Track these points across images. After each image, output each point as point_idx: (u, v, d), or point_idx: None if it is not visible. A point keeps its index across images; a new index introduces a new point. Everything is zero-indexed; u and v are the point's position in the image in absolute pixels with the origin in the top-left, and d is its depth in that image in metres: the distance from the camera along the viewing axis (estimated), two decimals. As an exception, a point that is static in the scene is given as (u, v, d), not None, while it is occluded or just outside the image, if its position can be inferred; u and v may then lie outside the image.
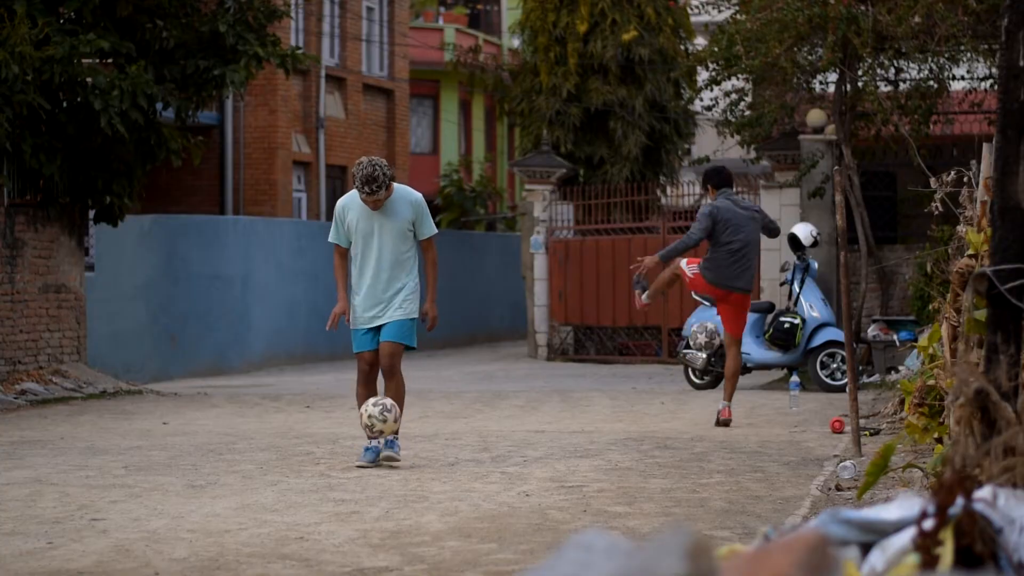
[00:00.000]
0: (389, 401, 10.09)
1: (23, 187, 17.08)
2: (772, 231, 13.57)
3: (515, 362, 24.74)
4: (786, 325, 17.34)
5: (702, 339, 13.94)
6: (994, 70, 18.75)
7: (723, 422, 12.99)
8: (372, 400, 10.13)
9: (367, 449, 10.23)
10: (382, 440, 10.15)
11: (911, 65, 19.26)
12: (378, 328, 10.28)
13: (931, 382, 9.17)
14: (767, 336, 17.48)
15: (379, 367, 10.33)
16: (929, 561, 3.74)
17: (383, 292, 10.24)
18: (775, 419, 13.70)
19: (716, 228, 13.08)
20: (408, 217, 10.20)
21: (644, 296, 13.60)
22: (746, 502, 8.48)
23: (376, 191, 9.95)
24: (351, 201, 10.28)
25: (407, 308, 10.26)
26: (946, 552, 3.72)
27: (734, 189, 13.61)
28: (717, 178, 13.41)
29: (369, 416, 10.02)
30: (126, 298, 21.41)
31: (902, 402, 12.03)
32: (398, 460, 10.18)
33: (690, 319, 18.20)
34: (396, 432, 10.19)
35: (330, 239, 10.46)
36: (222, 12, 17.43)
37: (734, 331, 13.42)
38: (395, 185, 10.23)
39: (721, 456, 10.70)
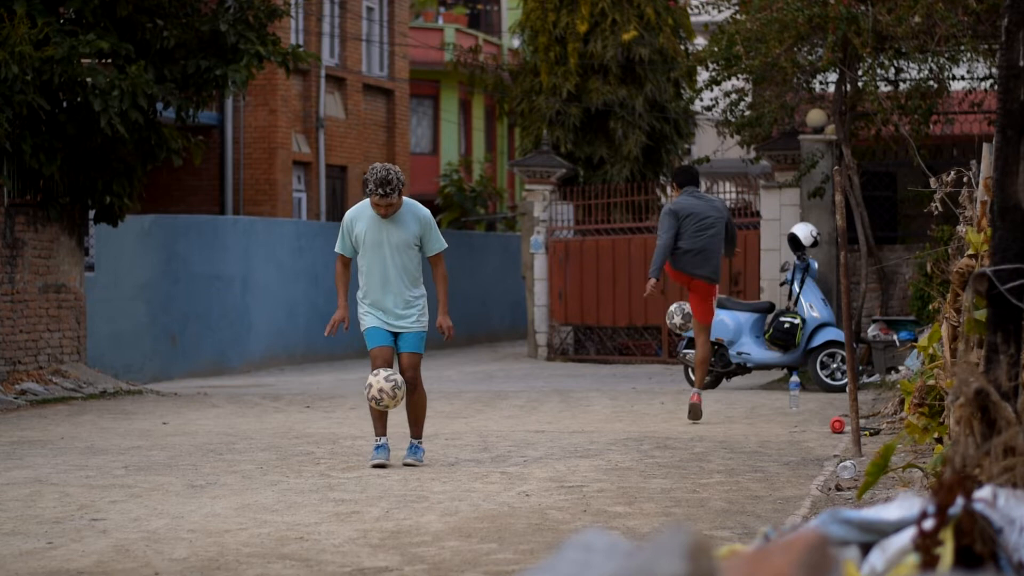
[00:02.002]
0: (399, 378, 10.07)
1: (23, 187, 17.08)
2: (731, 238, 13.64)
3: (515, 362, 24.74)
4: (786, 325, 17.34)
5: (678, 320, 14.11)
6: (994, 70, 18.75)
7: (693, 407, 13.28)
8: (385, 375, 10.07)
9: (379, 448, 10.25)
10: (384, 439, 10.22)
11: (911, 65, 19.25)
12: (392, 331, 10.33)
13: (931, 382, 9.17)
14: (767, 336, 17.48)
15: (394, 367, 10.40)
16: (929, 561, 3.74)
17: (395, 301, 10.28)
18: (775, 419, 13.70)
19: (680, 224, 13.38)
20: (415, 231, 10.24)
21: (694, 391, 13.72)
22: (746, 502, 8.48)
23: (389, 194, 9.99)
24: (360, 212, 10.33)
25: (423, 322, 10.41)
26: (946, 552, 3.72)
27: (701, 188, 13.86)
28: (682, 177, 13.81)
29: (380, 390, 9.96)
30: (126, 298, 21.41)
31: (902, 402, 12.03)
32: (420, 463, 10.26)
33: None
34: (418, 440, 10.38)
35: (336, 249, 10.51)
36: (222, 11, 17.42)
37: (701, 318, 13.65)
38: (404, 199, 10.28)
39: (721, 456, 10.70)
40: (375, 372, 10.04)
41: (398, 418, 14.27)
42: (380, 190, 9.98)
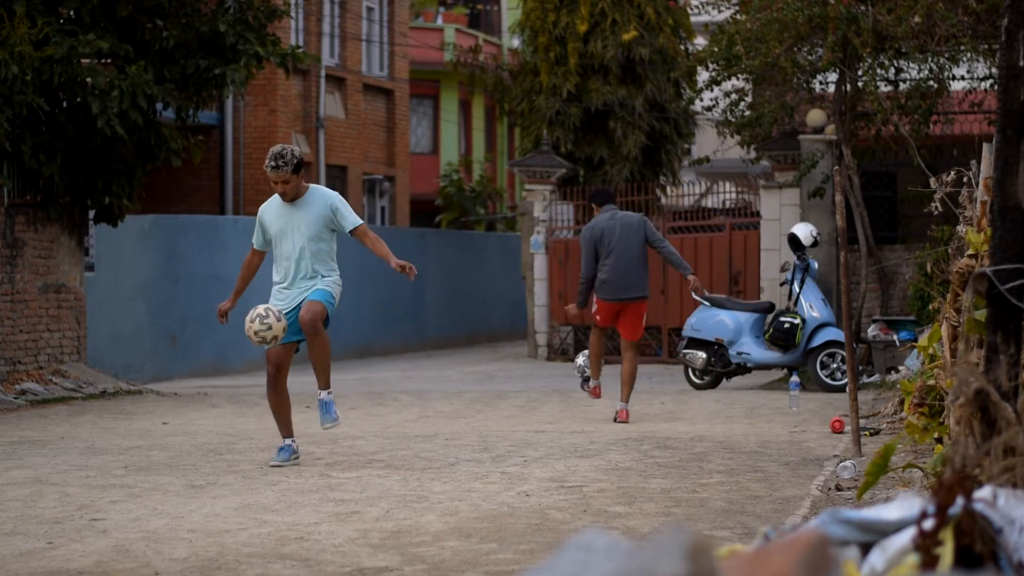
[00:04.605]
0: (267, 308, 10.00)
1: (23, 187, 17.08)
2: (655, 245, 13.71)
3: (515, 362, 24.74)
4: (786, 325, 17.35)
5: (581, 360, 14.49)
6: (994, 70, 18.75)
7: (620, 422, 13.38)
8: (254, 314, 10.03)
9: (281, 449, 10.30)
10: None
11: (911, 65, 19.26)
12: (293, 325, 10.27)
13: (931, 382, 9.17)
14: (767, 336, 17.48)
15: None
16: (929, 561, 3.74)
17: (300, 286, 10.26)
18: (775, 419, 13.70)
19: (598, 247, 13.61)
20: (322, 214, 10.22)
21: (592, 383, 14.02)
22: (746, 502, 8.48)
23: (281, 167, 10.04)
24: (270, 203, 10.45)
25: (329, 288, 10.26)
26: (946, 552, 3.72)
27: (617, 206, 14.11)
28: (599, 197, 14.07)
29: (256, 332, 9.95)
30: (126, 298, 21.41)
31: (902, 402, 12.03)
32: (332, 424, 10.34)
33: (690, 319, 18.22)
34: (326, 390, 10.31)
35: (252, 240, 10.60)
36: (222, 12, 17.42)
37: (630, 335, 13.85)
38: (312, 186, 10.37)
39: (721, 456, 10.70)
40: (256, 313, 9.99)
41: (385, 421, 14.27)
42: (272, 162, 10.06)
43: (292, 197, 10.24)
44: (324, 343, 10.24)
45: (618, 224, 13.64)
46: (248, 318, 10.07)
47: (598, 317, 13.85)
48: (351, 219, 10.29)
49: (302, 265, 10.25)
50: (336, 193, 10.47)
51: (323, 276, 10.30)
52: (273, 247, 10.40)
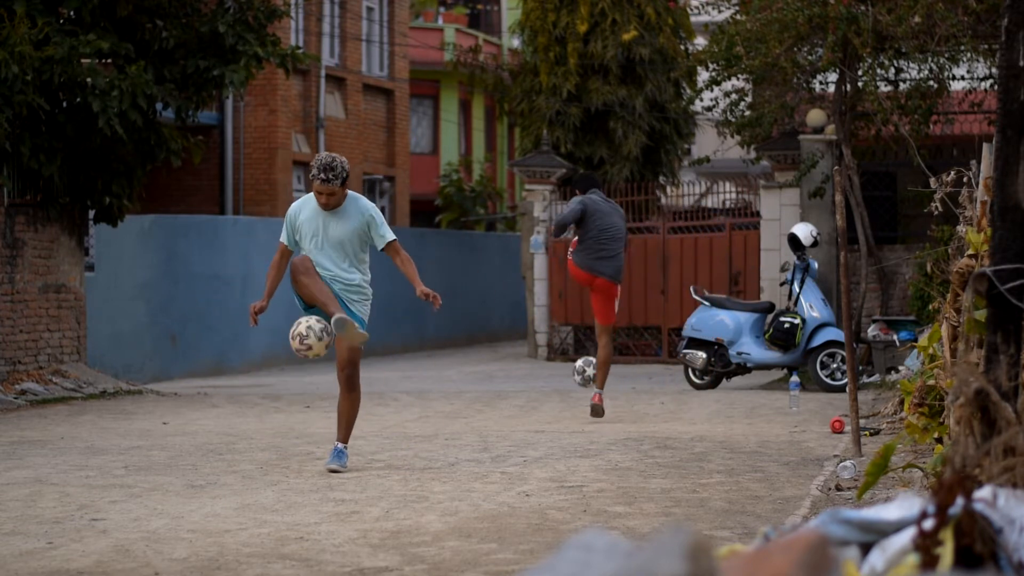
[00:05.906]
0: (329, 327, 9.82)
1: (23, 187, 17.08)
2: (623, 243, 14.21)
3: (515, 362, 24.74)
4: (786, 325, 17.35)
5: (581, 374, 14.32)
6: (994, 70, 18.75)
7: (595, 408, 13.63)
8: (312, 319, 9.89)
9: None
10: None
11: (911, 65, 19.26)
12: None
13: (931, 382, 9.17)
14: (767, 336, 17.49)
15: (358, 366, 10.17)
16: (929, 561, 3.74)
17: (332, 289, 10.10)
18: (775, 419, 13.70)
19: (586, 217, 13.82)
20: (357, 226, 10.02)
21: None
22: (746, 502, 8.48)
23: (331, 180, 9.82)
24: (305, 203, 10.19)
25: (359, 310, 10.14)
26: (946, 552, 3.72)
27: (603, 193, 14.25)
28: (585, 183, 14.24)
29: (296, 350, 9.82)
30: (126, 298, 21.41)
31: (902, 402, 12.03)
32: (342, 470, 10.02)
33: (690, 319, 18.23)
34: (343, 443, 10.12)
35: (281, 238, 10.33)
36: (222, 12, 17.42)
37: (603, 319, 13.97)
38: (350, 193, 10.12)
39: (721, 456, 10.70)
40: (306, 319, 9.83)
41: (385, 421, 14.29)
42: (322, 174, 9.80)
43: (333, 206, 10.05)
44: (358, 398, 10.16)
45: (611, 208, 13.95)
46: (291, 334, 9.86)
47: (570, 266, 14.14)
48: (385, 234, 10.07)
49: (333, 271, 10.10)
50: (373, 205, 10.24)
51: (356, 290, 10.12)
52: (304, 250, 10.17)
